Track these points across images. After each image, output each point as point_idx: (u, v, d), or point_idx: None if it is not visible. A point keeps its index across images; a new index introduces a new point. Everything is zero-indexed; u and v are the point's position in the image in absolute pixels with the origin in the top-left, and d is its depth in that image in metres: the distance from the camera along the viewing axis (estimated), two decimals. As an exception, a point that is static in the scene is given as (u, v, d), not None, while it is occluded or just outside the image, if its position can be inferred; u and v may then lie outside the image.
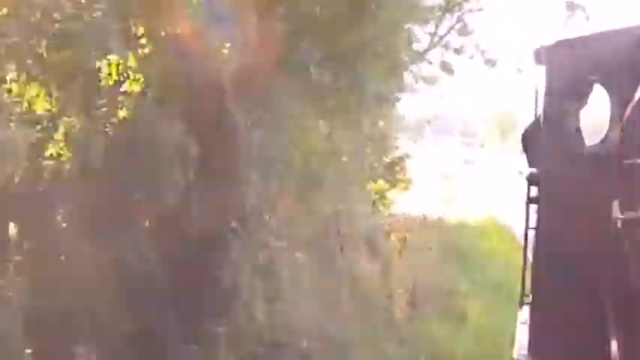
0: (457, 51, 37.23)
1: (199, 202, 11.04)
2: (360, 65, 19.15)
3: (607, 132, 8.57)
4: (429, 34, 36.58)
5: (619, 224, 7.59)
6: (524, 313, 8.37)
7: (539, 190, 8.27)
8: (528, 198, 8.22)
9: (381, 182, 34.69)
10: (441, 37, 37.09)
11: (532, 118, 8.53)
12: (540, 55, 8.18)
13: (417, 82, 37.29)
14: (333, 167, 19.11)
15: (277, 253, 13.62)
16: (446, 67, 37.38)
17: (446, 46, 37.21)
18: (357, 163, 26.21)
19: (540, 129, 8.16)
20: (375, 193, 33.78)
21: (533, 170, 8.19)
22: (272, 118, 13.54)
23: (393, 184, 35.29)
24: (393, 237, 20.65)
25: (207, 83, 11.49)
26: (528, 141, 8.38)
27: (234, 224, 11.74)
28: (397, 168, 35.26)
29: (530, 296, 8.21)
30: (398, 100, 31.10)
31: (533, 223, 8.45)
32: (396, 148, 36.30)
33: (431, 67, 37.50)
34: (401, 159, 36.20)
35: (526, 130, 8.48)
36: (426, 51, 36.96)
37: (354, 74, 16.16)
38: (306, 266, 14.98)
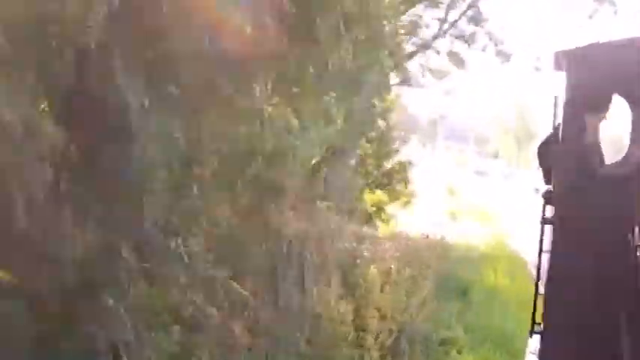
0: (468, 40, 33.27)
1: (67, 219, 6.91)
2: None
3: (628, 149, 7.82)
4: (439, 19, 33.17)
5: (639, 252, 6.89)
6: (535, 342, 7.66)
7: (554, 210, 7.53)
8: (543, 218, 7.48)
9: (379, 193, 31.14)
10: (452, 24, 33.37)
11: (549, 130, 7.76)
12: (560, 60, 7.46)
13: (423, 75, 34.47)
14: (292, 170, 15.55)
15: (192, 294, 9.69)
16: (455, 59, 33.76)
17: (456, 35, 33.38)
18: (339, 168, 22.87)
19: (558, 142, 7.42)
20: (372, 206, 30.27)
21: (550, 188, 7.45)
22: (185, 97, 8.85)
23: (394, 197, 31.61)
24: (374, 267, 17.00)
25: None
26: (545, 155, 7.64)
27: (124, 253, 7.60)
28: (398, 177, 31.32)
29: (542, 325, 7.52)
30: (387, 88, 27.69)
31: (547, 245, 7.70)
32: (397, 151, 32.54)
33: (439, 58, 34.09)
34: (403, 166, 31.88)
35: (542, 143, 7.75)
36: (434, 38, 33.58)
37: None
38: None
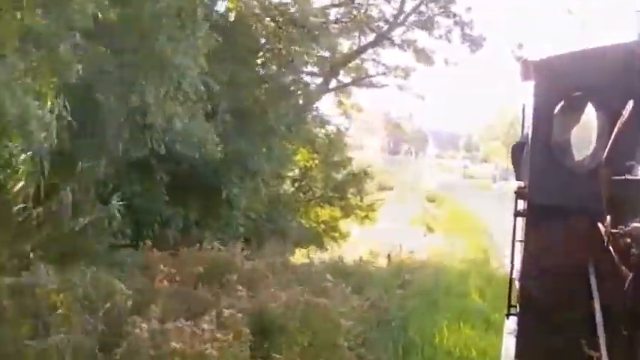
0: (427, 26, 29.13)
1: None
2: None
3: (595, 148, 8.75)
4: (394, 9, 29.60)
5: (609, 238, 7.75)
6: (511, 324, 8.50)
7: (527, 204, 8.43)
8: (515, 211, 8.38)
9: (333, 208, 26.74)
10: (413, 10, 29.49)
11: (521, 133, 8.68)
12: (528, 70, 8.36)
13: (384, 73, 30.68)
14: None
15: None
16: (420, 55, 29.85)
17: (416, 23, 29.45)
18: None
19: (528, 143, 8.32)
20: (321, 223, 26.54)
21: (521, 184, 8.35)
22: None
23: (348, 212, 27.18)
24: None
25: None
26: (517, 155, 8.52)
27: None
28: (352, 189, 26.99)
29: (518, 307, 8.33)
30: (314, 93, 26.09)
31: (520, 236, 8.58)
32: (350, 160, 28.33)
33: (403, 55, 30.45)
34: (357, 177, 27.68)
35: (515, 144, 8.63)
36: (390, 29, 29.80)
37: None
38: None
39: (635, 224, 7.52)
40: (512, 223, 9.13)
